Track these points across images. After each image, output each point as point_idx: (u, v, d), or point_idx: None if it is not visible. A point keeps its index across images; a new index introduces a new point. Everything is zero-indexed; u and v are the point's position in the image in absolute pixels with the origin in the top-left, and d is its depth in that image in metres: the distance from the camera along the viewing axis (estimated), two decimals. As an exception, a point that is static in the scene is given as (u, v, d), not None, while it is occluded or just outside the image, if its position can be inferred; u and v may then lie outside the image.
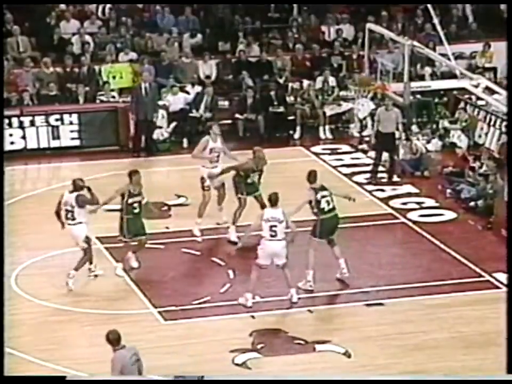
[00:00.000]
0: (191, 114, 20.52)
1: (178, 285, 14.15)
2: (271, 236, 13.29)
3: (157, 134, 20.14)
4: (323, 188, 14.05)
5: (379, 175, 18.34)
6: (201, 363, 12.22)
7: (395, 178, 18.14)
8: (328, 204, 13.97)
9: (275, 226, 13.27)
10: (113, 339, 10.28)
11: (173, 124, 20.41)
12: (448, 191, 17.59)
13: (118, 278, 14.36)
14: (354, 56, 22.45)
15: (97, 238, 15.48)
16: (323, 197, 13.96)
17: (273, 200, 13.46)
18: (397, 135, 18.18)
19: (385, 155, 18.33)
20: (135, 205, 14.30)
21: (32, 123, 19.43)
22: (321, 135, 20.78)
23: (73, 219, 14.08)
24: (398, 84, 19.50)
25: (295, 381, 8.73)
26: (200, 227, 15.78)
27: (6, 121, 19.30)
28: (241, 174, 15.61)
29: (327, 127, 20.83)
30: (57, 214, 14.20)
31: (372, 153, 19.14)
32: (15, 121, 19.36)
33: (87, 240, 14.15)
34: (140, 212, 14.36)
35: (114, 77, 21.14)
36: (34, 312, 13.34)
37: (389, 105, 18.14)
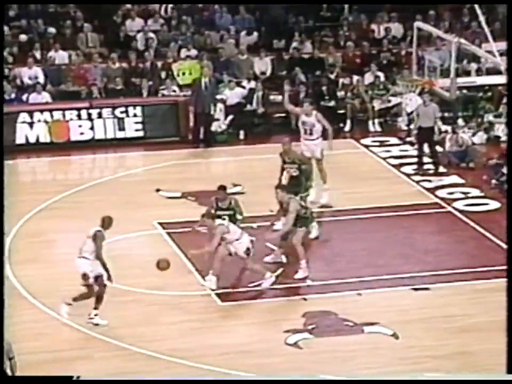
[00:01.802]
0: (246, 108, 20.50)
1: (234, 268, 14.09)
2: None
3: (215, 126, 20.13)
4: None
5: (425, 166, 18.10)
6: (255, 343, 12.17)
7: (441, 169, 17.86)
8: None
9: None
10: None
11: (230, 117, 20.39)
12: (493, 181, 17.32)
13: (179, 260, 14.33)
14: (403, 53, 22.22)
15: (159, 223, 15.51)
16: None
17: None
18: (435, 129, 17.90)
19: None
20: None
21: (100, 115, 19.51)
22: (371, 128, 20.61)
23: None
24: (445, 79, 19.26)
25: (295, 381, 8.53)
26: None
27: (76, 113, 19.42)
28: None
29: (376, 120, 20.67)
30: None
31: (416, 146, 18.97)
32: (84, 113, 19.46)
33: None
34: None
35: (184, 73, 21.14)
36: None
37: (426, 100, 17.88)
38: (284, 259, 14.17)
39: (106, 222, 12.66)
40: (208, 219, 13.78)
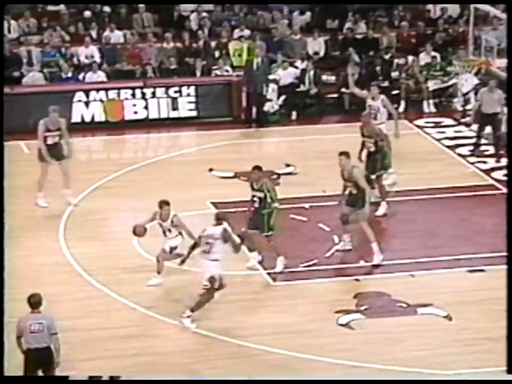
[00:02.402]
0: (299, 89, 20.37)
1: (286, 248, 14.02)
2: None
3: (267, 107, 20.04)
4: None
5: (482, 148, 17.81)
6: (307, 322, 12.12)
7: (502, 152, 17.47)
8: None
9: None
10: (34, 302, 10.12)
11: (283, 97, 20.28)
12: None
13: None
14: (459, 33, 21.87)
15: (211, 203, 15.52)
16: None
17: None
18: (499, 116, 17.44)
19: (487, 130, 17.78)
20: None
21: (154, 94, 19.55)
22: (425, 109, 20.39)
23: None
24: (502, 59, 18.88)
25: (295, 381, 8.44)
26: None
27: (130, 92, 19.49)
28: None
29: (430, 101, 20.42)
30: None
31: (474, 127, 18.67)
32: (138, 92, 19.52)
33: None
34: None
35: (239, 55, 21.06)
36: (154, 271, 13.36)
37: (492, 87, 17.44)
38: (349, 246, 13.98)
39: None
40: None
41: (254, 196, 13.27)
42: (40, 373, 10.05)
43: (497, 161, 17.16)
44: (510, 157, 13.66)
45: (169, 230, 12.80)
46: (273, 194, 13.24)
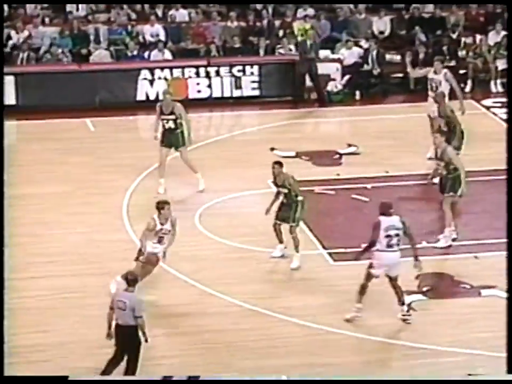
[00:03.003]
0: (363, 68, 20.13)
1: (347, 228, 13.91)
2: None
3: (330, 86, 19.86)
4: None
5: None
6: (368, 302, 11.95)
7: None
8: None
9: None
10: (128, 279, 10.08)
11: (347, 77, 20.05)
12: None
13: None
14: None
15: (273, 183, 15.41)
16: None
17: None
18: None
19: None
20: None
21: (218, 73, 19.52)
22: (492, 89, 20.00)
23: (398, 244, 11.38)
24: None
25: (295, 381, 8.24)
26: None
27: (194, 70, 19.45)
28: None
29: (498, 80, 20.02)
30: None
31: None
32: (202, 71, 19.50)
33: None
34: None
35: (302, 35, 20.87)
36: (214, 249, 13.42)
37: None
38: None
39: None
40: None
41: (279, 192, 12.97)
42: (123, 350, 10.05)
43: None
44: (510, 160, 13.18)
45: (166, 234, 11.84)
46: (296, 188, 12.92)
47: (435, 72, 15.95)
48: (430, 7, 21.97)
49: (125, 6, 21.45)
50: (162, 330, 11.32)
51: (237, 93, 19.59)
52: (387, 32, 21.49)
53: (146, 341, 10.06)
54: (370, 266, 11.50)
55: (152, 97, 19.34)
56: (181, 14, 21.44)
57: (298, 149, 16.83)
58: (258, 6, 21.90)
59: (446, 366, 10.66)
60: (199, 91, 19.46)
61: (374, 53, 20.16)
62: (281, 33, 21.09)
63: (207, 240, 13.56)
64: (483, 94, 19.70)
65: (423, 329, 11.39)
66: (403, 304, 11.52)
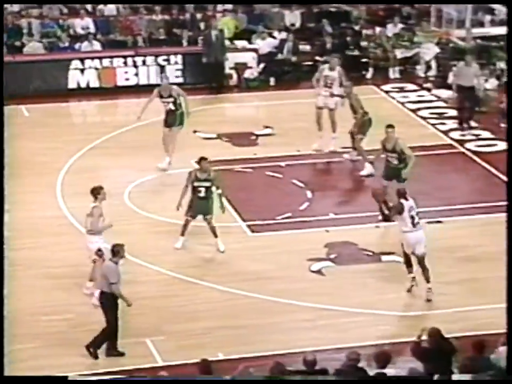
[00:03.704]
0: (277, 57, 20.06)
1: (263, 202, 13.89)
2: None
3: (247, 73, 19.71)
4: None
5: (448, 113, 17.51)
6: (282, 269, 12.00)
7: (472, 124, 16.75)
8: None
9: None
10: (116, 251, 10.07)
11: (262, 65, 19.95)
12: (502, 124, 16.80)
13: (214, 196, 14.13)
14: (422, 6, 21.54)
15: (196, 162, 15.25)
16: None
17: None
18: (476, 89, 16.80)
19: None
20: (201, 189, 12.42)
21: (144, 62, 19.18)
22: (391, 75, 20.08)
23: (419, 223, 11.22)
24: (461, 30, 18.62)
25: (295, 381, 8.35)
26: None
27: (122, 60, 19.14)
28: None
29: (396, 68, 20.11)
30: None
31: (436, 92, 18.51)
32: (129, 60, 19.15)
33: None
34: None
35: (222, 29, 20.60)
36: (143, 223, 13.25)
37: (469, 61, 16.83)
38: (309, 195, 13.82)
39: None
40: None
41: (199, 186, 12.40)
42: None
43: (462, 131, 16.53)
44: (510, 160, 13.26)
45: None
46: (218, 181, 12.53)
47: (331, 69, 15.72)
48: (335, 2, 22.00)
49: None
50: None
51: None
52: (298, 25, 21.44)
53: (129, 305, 10.08)
54: (402, 246, 11.41)
55: (83, 85, 18.93)
56: (109, 9, 21.02)
57: (219, 131, 16.70)
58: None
59: (354, 325, 10.75)
60: (127, 79, 19.10)
61: (291, 43, 20.09)
62: (202, 25, 20.81)
63: (136, 215, 13.36)
64: (383, 80, 19.76)
65: (332, 293, 11.46)
66: (428, 282, 11.25)
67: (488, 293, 11.22)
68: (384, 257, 12.23)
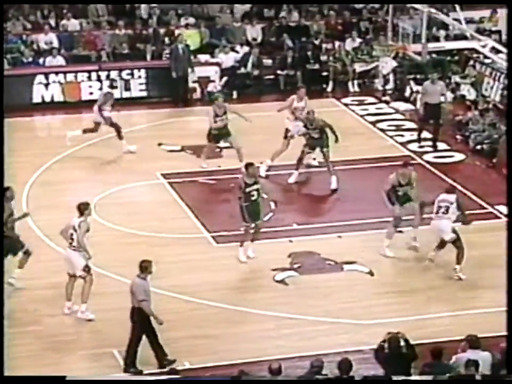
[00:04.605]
0: (239, 71, 20.14)
1: (228, 214, 13.91)
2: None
3: (210, 87, 19.78)
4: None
5: (406, 125, 17.74)
6: (247, 279, 12.05)
7: (439, 144, 16.70)
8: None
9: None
10: (144, 266, 10.06)
11: (224, 79, 20.03)
12: (458, 136, 17.09)
13: (179, 207, 14.13)
14: (380, 21, 21.81)
15: (161, 174, 15.29)
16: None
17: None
18: (443, 105, 16.96)
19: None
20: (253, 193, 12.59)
21: (108, 77, 19.13)
22: (350, 89, 20.30)
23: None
24: (417, 44, 18.92)
25: (295, 381, 8.42)
26: (266, 168, 15.26)
27: (86, 75, 19.08)
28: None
29: (355, 81, 20.35)
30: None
31: (394, 104, 18.74)
32: (94, 75, 19.10)
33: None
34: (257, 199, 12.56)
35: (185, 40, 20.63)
36: (108, 235, 13.20)
37: (434, 79, 16.95)
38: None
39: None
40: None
41: (251, 191, 12.54)
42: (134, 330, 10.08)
43: (434, 148, 16.57)
44: (509, 160, 13.44)
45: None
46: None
47: (299, 99, 15.55)
48: (295, 17, 22.16)
49: (20, 17, 20.80)
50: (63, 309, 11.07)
51: (126, 94, 19.25)
52: (259, 39, 21.56)
53: (160, 323, 10.01)
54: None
55: (47, 100, 18.86)
56: (72, 24, 20.92)
57: (183, 143, 16.72)
58: (144, 15, 21.59)
59: (318, 334, 10.82)
60: (91, 93, 19.03)
61: (254, 57, 20.14)
62: (166, 39, 20.81)
63: (101, 227, 13.30)
64: (342, 93, 19.97)
65: (296, 302, 11.53)
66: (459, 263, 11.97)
67: (446, 301, 11.39)
68: (346, 267, 12.34)
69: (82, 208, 11.31)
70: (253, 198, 12.61)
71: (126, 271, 12.00)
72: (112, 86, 17.65)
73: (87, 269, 11.06)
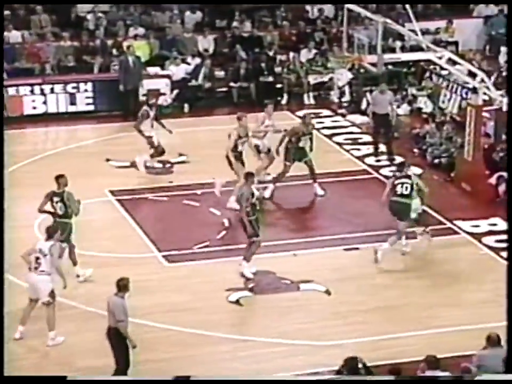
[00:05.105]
0: (191, 83, 20.14)
1: (180, 232, 13.89)
2: None
3: (161, 100, 19.73)
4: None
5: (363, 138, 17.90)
6: (200, 300, 12.00)
7: (395, 156, 16.82)
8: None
9: None
10: (122, 285, 10.00)
11: (175, 91, 20.01)
12: (415, 150, 17.31)
13: (128, 225, 14.06)
14: (334, 32, 22.03)
15: (109, 191, 15.19)
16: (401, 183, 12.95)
17: None
18: (390, 115, 17.19)
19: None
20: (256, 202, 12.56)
21: (53, 90, 19.00)
22: (305, 101, 20.43)
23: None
24: (373, 55, 19.05)
25: (294, 381, 8.44)
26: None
27: (29, 88, 18.90)
28: (292, 140, 14.99)
29: (310, 94, 20.50)
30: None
31: (350, 117, 18.92)
32: (37, 88, 18.94)
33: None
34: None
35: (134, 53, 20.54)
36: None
37: (383, 89, 17.28)
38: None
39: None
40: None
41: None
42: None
43: (390, 160, 16.74)
44: (510, 161, 13.57)
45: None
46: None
47: (269, 117, 15.54)
48: (248, 27, 22.25)
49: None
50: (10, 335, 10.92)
51: (72, 109, 19.12)
52: (211, 50, 21.58)
53: (134, 347, 9.91)
54: None
55: (-11, 114, 18.63)
56: (14, 36, 20.69)
57: (132, 159, 16.63)
58: (91, 26, 21.48)
59: (274, 356, 10.82)
60: (34, 107, 18.87)
61: (206, 69, 20.15)
62: (115, 51, 20.71)
63: (47, 248, 13.12)
64: (297, 106, 20.08)
65: (251, 323, 11.53)
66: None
67: (405, 321, 11.49)
68: (302, 286, 12.37)
69: (51, 231, 11.15)
70: (258, 208, 12.66)
71: (73, 293, 11.88)
72: (148, 103, 16.69)
73: (53, 294, 10.90)
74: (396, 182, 13.07)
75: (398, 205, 12.98)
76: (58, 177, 12.44)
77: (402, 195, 12.95)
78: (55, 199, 12.35)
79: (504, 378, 8.48)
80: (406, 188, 12.95)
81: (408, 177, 13.02)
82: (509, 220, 10.84)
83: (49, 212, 12.38)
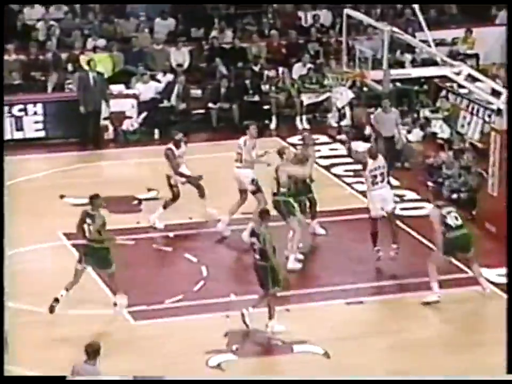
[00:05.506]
0: (162, 104, 20.31)
1: (149, 283, 13.97)
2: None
3: (126, 125, 19.91)
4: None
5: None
6: (174, 365, 12.05)
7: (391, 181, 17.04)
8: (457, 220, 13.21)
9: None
10: (92, 351, 10.13)
11: (143, 114, 20.20)
12: (429, 183, 17.48)
13: (86, 274, 14.12)
14: (332, 43, 22.28)
15: (64, 234, 15.28)
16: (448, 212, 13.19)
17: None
18: (396, 138, 17.61)
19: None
20: None
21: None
22: (298, 125, 20.61)
23: None
24: (377, 71, 19.32)
25: (294, 381, 8.59)
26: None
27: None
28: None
29: (304, 116, 20.68)
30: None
31: (352, 144, 19.18)
32: (-24, 112, 19.08)
33: None
34: None
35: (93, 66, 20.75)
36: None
37: (386, 106, 17.64)
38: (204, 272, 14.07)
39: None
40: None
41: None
42: None
43: (400, 197, 16.82)
44: (510, 162, 13.73)
45: None
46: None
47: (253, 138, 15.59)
48: (229, 37, 22.46)
49: None
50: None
51: (18, 135, 19.29)
52: (186, 65, 21.75)
53: None
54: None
55: None
56: None
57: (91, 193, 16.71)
58: (41, 37, 21.66)
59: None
60: (-27, 135, 19.04)
61: (181, 88, 20.28)
62: (70, 67, 20.82)
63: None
64: (289, 131, 20.25)
65: (233, 392, 11.59)
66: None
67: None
68: (296, 347, 12.45)
69: None
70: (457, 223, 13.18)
71: (18, 360, 11.92)
72: (174, 141, 16.48)
73: None
74: (444, 212, 13.13)
75: (459, 240, 13.09)
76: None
77: (458, 227, 13.09)
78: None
79: (504, 379, 8.67)
80: (456, 217, 13.07)
81: (451, 203, 13.48)
82: (509, 233, 11.08)
83: None
